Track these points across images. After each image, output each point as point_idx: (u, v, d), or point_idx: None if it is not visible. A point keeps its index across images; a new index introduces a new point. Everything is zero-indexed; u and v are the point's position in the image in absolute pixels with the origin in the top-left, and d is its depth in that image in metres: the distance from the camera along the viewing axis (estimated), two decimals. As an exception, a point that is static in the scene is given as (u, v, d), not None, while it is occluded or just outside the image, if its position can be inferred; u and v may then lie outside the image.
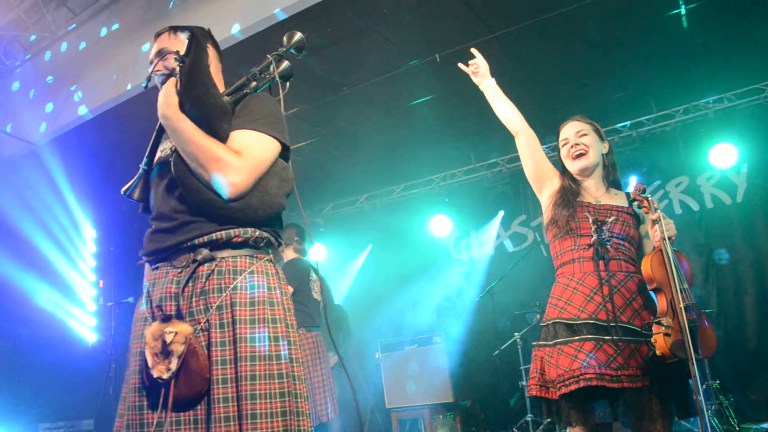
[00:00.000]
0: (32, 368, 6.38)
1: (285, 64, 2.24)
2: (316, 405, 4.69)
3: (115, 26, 5.60)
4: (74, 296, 7.00)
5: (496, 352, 6.44)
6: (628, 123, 6.83)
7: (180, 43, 2.06)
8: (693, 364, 2.26)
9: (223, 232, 1.85)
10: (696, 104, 6.45)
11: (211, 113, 1.88)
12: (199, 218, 1.86)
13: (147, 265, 2.04)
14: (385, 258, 8.07)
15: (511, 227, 7.73)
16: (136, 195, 1.97)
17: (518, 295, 7.01)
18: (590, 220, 2.64)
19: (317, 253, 8.64)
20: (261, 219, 1.90)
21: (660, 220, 2.48)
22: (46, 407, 6.27)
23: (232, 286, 1.81)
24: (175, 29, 2.14)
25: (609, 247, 2.60)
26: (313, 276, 5.15)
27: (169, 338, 1.71)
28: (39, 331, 6.51)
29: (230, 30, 4.73)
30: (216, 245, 1.85)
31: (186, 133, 1.83)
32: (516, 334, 6.26)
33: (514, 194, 7.67)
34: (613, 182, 2.86)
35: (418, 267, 7.63)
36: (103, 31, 5.67)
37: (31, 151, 6.16)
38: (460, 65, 3.02)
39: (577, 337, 2.50)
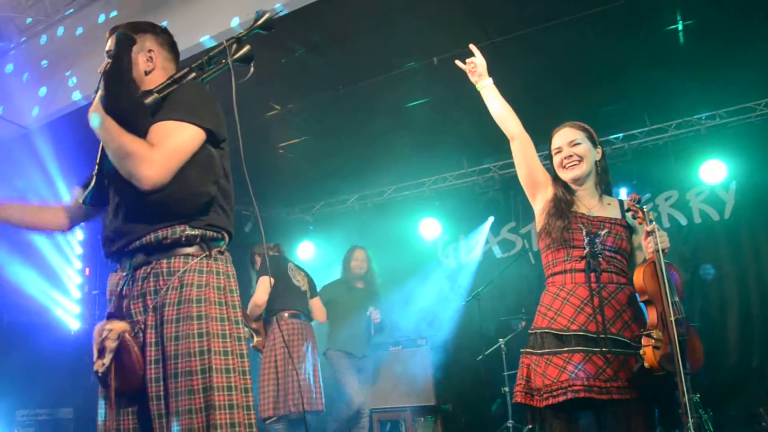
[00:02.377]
0: (12, 354, 6.32)
1: (245, 48, 2.16)
2: (314, 394, 4.88)
3: (114, 13, 5.56)
4: (59, 283, 6.94)
5: (480, 357, 6.45)
6: (620, 135, 6.88)
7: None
8: (681, 378, 2.26)
9: (152, 235, 1.89)
10: (689, 120, 6.50)
11: (126, 111, 1.88)
12: (130, 222, 1.91)
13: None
14: (373, 258, 8.07)
15: (500, 233, 7.75)
16: (82, 200, 2.04)
17: (504, 301, 7.04)
18: (583, 232, 2.64)
19: (305, 251, 8.63)
20: (188, 212, 1.91)
21: (654, 231, 2.48)
22: (25, 394, 6.21)
23: (165, 287, 1.87)
24: (113, 31, 2.11)
25: (601, 259, 2.60)
26: (291, 265, 5.26)
27: (104, 335, 1.81)
28: (21, 316, 6.46)
29: (229, 23, 4.72)
30: (150, 249, 1.90)
31: (107, 132, 1.84)
32: (501, 339, 6.27)
33: (504, 201, 7.70)
34: (605, 189, 2.85)
35: (405, 269, 7.62)
36: (101, 18, 5.63)
37: (23, 134, 6.10)
38: (458, 63, 3.01)
39: (566, 348, 2.50)
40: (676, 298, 2.44)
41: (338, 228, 8.39)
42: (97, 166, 1.99)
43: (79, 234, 7.27)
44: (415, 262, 7.80)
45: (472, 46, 2.94)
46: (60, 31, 5.94)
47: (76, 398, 6.33)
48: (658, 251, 2.45)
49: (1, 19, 6.09)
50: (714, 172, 6.26)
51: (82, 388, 6.28)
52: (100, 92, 1.91)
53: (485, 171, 7.71)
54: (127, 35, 2.03)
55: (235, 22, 4.71)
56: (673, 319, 2.36)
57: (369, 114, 6.43)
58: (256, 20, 2.14)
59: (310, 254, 8.63)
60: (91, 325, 6.57)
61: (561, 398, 2.43)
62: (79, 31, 5.80)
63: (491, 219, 7.76)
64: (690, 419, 2.26)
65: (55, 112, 5.87)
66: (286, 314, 4.98)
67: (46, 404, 6.22)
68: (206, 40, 4.83)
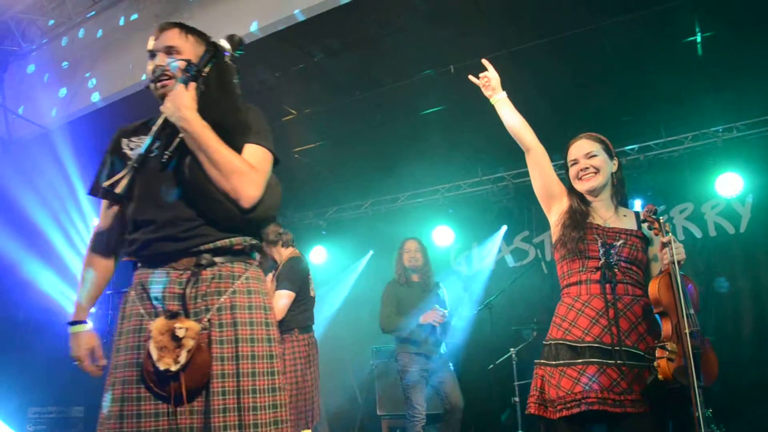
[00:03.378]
0: (27, 352, 6.38)
1: (236, 37, 2.21)
2: (314, 406, 4.58)
3: (134, 16, 5.64)
4: (74, 282, 7.00)
5: (491, 366, 6.43)
6: (636, 146, 6.85)
7: (190, 46, 2.11)
8: (695, 391, 2.24)
9: (227, 240, 1.98)
10: (705, 132, 6.46)
11: (235, 129, 1.99)
12: (205, 225, 1.96)
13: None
14: (385, 265, 8.04)
15: (513, 242, 7.73)
16: (119, 189, 1.98)
17: (516, 310, 7.01)
18: (599, 243, 2.62)
19: (318, 256, 8.66)
20: (258, 229, 2.08)
21: (671, 243, 2.46)
22: (37, 392, 6.26)
23: (230, 290, 1.96)
24: (186, 29, 2.16)
25: (616, 270, 2.58)
26: (311, 273, 4.95)
27: (181, 333, 1.82)
28: (37, 314, 6.51)
29: (249, 27, 4.76)
30: (218, 252, 1.98)
31: (210, 142, 1.91)
32: (512, 349, 6.25)
33: (518, 209, 7.68)
34: (621, 200, 2.84)
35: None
36: (122, 21, 5.71)
37: (42, 134, 6.19)
38: (471, 78, 3.02)
39: (580, 360, 2.49)
40: (692, 311, 2.42)
41: (351, 233, 8.41)
42: (135, 159, 2.01)
43: (94, 233, 7.34)
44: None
45: (484, 61, 2.95)
46: (81, 33, 6.04)
47: (87, 397, 6.36)
48: (673, 263, 2.43)
49: (24, 21, 6.19)
50: (730, 185, 6.21)
51: (93, 387, 6.31)
52: (187, 94, 1.95)
53: (499, 180, 7.69)
54: (219, 46, 2.12)
55: (254, 26, 4.76)
56: (687, 331, 2.33)
57: (385, 120, 6.46)
58: (233, 46, 2.16)
59: (323, 259, 8.65)
60: (105, 325, 6.63)
61: (575, 410, 2.41)
62: (100, 33, 5.89)
63: (504, 228, 7.74)
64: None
65: (75, 112, 5.96)
66: (295, 332, 4.55)
67: (58, 402, 6.27)
68: (225, 44, 4.88)
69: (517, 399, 6.12)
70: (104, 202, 2.22)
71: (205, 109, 1.95)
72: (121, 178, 1.98)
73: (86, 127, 6.03)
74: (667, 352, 2.35)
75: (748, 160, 6.21)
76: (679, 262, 2.46)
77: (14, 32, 6.24)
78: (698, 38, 5.11)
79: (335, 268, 8.52)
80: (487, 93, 2.95)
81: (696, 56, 5.33)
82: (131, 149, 2.14)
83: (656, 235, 2.58)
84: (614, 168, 2.83)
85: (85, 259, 2.22)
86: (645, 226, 2.68)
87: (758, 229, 6.15)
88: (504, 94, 2.92)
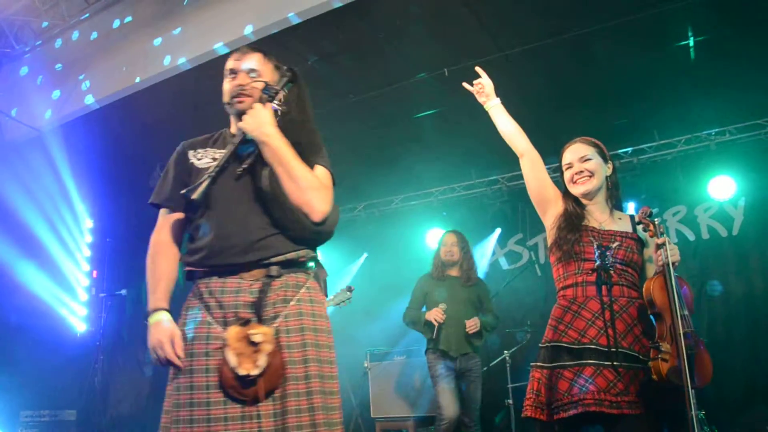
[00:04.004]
0: (19, 355, 6.36)
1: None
2: None
3: (128, 19, 5.63)
4: (67, 285, 6.99)
5: (485, 368, 6.43)
6: (629, 149, 6.88)
7: (269, 71, 2.28)
8: (688, 392, 2.25)
9: (294, 253, 2.10)
10: (698, 135, 6.49)
11: (309, 149, 2.19)
12: (277, 236, 2.08)
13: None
14: (379, 268, 8.06)
15: (507, 245, 7.74)
16: (196, 196, 2.04)
17: (510, 313, 7.02)
18: (594, 245, 2.63)
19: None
20: (322, 242, 2.23)
21: (665, 244, 2.47)
22: (29, 395, 6.23)
23: (296, 298, 2.08)
24: (267, 56, 2.33)
25: (612, 272, 2.57)
26: None
27: (258, 338, 1.93)
28: (29, 317, 6.49)
29: (243, 30, 4.76)
30: (285, 264, 2.09)
31: (290, 157, 2.07)
32: (505, 351, 6.25)
33: (512, 212, 7.69)
34: (616, 204, 2.85)
35: (412, 279, 7.59)
36: (116, 23, 5.70)
37: (35, 136, 6.16)
38: (465, 85, 3.03)
39: (576, 362, 2.49)
40: (686, 312, 2.43)
41: (345, 236, 8.39)
42: (216, 169, 2.10)
43: (87, 236, 7.32)
44: (422, 273, 7.80)
45: (478, 68, 2.97)
46: (75, 35, 6.02)
47: (79, 400, 6.35)
48: (668, 264, 2.43)
49: (17, 23, 6.17)
50: (723, 188, 6.24)
51: (85, 391, 6.30)
52: (267, 113, 2.10)
53: (493, 182, 7.71)
54: (296, 72, 2.28)
55: (248, 29, 4.76)
56: (681, 332, 2.33)
57: (379, 123, 6.46)
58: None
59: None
60: (97, 328, 6.61)
61: (571, 412, 2.41)
62: (94, 35, 5.87)
63: (498, 230, 7.75)
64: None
65: (68, 114, 5.94)
66: None
67: (50, 405, 6.24)
68: (219, 47, 4.88)
69: (510, 401, 6.12)
70: (164, 211, 2.28)
71: (284, 128, 2.11)
72: (198, 185, 2.05)
73: (80, 130, 6.01)
74: (661, 353, 2.36)
75: (740, 163, 6.24)
76: (673, 263, 2.47)
77: (7, 34, 6.22)
78: (691, 42, 5.14)
79: (329, 270, 8.47)
80: (480, 99, 2.97)
81: (689, 60, 5.36)
82: (198, 159, 2.23)
83: (651, 237, 2.59)
84: (609, 171, 2.84)
85: (153, 262, 2.22)
86: (640, 228, 2.68)
87: (751, 232, 6.18)
88: (498, 100, 2.93)
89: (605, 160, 2.86)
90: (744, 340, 6.02)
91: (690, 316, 2.48)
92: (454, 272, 5.44)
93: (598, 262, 2.59)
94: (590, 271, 2.62)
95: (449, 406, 4.79)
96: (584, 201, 2.81)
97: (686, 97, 5.90)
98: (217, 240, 2.07)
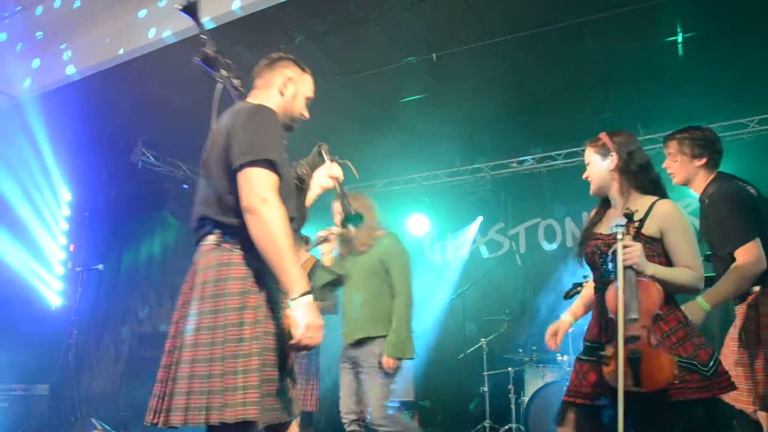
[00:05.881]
0: (-9, 328, 6.27)
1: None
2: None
3: (112, -12, 5.49)
4: (43, 258, 6.88)
5: (461, 355, 6.49)
6: (614, 143, 6.90)
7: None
8: (620, 396, 2.27)
9: None
10: (681, 132, 6.52)
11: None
12: None
13: None
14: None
15: (488, 234, 7.77)
16: None
17: (488, 301, 7.07)
18: (597, 255, 2.58)
19: (293, 239, 8.59)
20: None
21: (618, 249, 2.37)
22: (1, 369, 6.15)
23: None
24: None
25: (612, 277, 2.49)
26: None
27: None
28: (2, 290, 6.39)
29: (230, 5, 4.68)
30: None
31: None
32: (483, 339, 6.30)
33: (494, 201, 7.71)
34: (647, 190, 2.65)
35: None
36: (99, -8, 5.57)
37: (14, 105, 6.03)
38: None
39: (584, 357, 2.61)
40: (634, 316, 2.33)
41: (327, 219, 8.36)
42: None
43: (65, 210, 7.21)
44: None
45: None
46: (57, 2, 5.87)
47: (52, 375, 6.28)
48: (619, 268, 2.36)
49: (-3, -13, 6.01)
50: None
51: (59, 366, 6.24)
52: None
53: (477, 170, 7.71)
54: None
55: (236, 4, 4.67)
56: (621, 335, 2.30)
57: (364, 106, 6.41)
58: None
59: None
60: (73, 303, 6.52)
61: (564, 398, 2.62)
62: (77, 4, 5.73)
63: (480, 218, 7.77)
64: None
65: (48, 84, 5.80)
66: None
67: (22, 380, 6.17)
68: (206, 22, 4.78)
69: (486, 389, 6.17)
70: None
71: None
72: None
73: (60, 101, 5.89)
74: (602, 357, 2.42)
75: (721, 162, 6.28)
76: (629, 266, 2.37)
77: (-13, -1, 6.06)
78: (679, 38, 5.14)
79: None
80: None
81: (676, 56, 5.37)
82: None
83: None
84: (612, 165, 2.65)
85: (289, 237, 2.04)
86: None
87: (728, 229, 6.25)
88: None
89: (604, 155, 2.69)
90: (721, 335, 6.08)
91: (652, 317, 2.39)
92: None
93: (599, 271, 2.59)
94: (595, 278, 2.67)
95: (341, 402, 4.03)
96: (610, 205, 2.75)
97: (672, 92, 5.93)
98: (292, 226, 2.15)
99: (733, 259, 2.90)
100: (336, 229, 3.84)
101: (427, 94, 6.13)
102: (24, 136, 6.11)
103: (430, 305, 7.43)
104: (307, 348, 2.01)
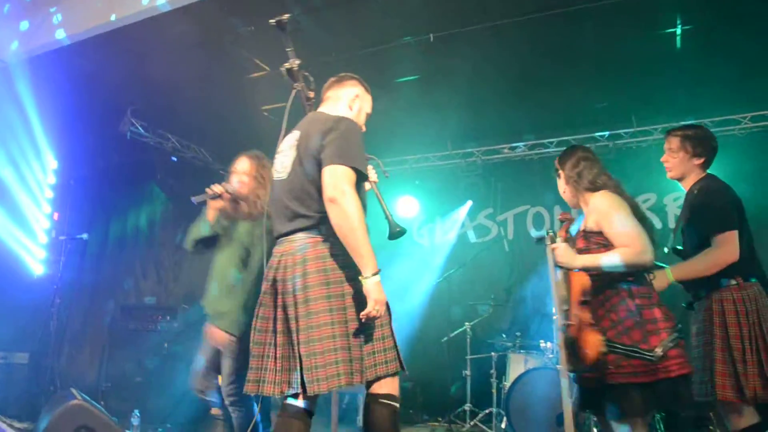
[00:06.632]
0: (-30, 296, 6.19)
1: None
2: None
3: (105, -49, 5.37)
4: (26, 225, 6.78)
5: (445, 338, 6.50)
6: (606, 133, 6.91)
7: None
8: (566, 376, 2.74)
9: None
10: (675, 125, 6.47)
11: None
12: None
13: None
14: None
15: (477, 218, 7.77)
16: None
17: (474, 285, 7.09)
18: None
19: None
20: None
21: (548, 252, 2.86)
22: (-20, 337, 6.09)
23: None
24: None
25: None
26: None
27: None
28: (-17, 256, 6.31)
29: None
30: None
31: None
32: (467, 323, 6.32)
33: (485, 186, 7.70)
34: (588, 189, 2.97)
35: (378, 245, 7.56)
36: (92, -45, 5.44)
37: (1, 68, 5.90)
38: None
39: None
40: (565, 306, 2.74)
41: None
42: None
43: (51, 177, 7.11)
44: (389, 239, 7.80)
45: None
46: (48, -36, 5.73)
47: (33, 344, 6.23)
48: (550, 267, 2.84)
49: (-14, -54, 5.85)
50: (693, 180, 6.31)
51: (39, 335, 6.18)
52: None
53: (468, 155, 7.69)
54: None
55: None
56: (560, 325, 2.73)
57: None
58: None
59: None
60: (55, 271, 6.45)
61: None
62: (69, -34, 5.60)
63: (469, 203, 7.76)
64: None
65: (36, 48, 5.67)
66: None
67: (2, 347, 6.11)
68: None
69: (468, 372, 6.20)
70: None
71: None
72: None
73: (49, 65, 5.77)
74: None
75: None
76: (558, 264, 2.83)
77: (-25, -43, 5.90)
78: (678, 30, 5.11)
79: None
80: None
81: (674, 49, 5.34)
82: None
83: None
84: (563, 176, 3.07)
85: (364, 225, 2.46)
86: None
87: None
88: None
89: (561, 168, 3.10)
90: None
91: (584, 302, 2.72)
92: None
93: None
94: None
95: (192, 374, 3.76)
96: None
97: (668, 85, 5.92)
98: None
99: (709, 245, 3.07)
100: (231, 188, 3.64)
101: (422, 75, 6.06)
102: (10, 100, 5.99)
103: (416, 288, 7.43)
104: (374, 318, 2.38)
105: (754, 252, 3.17)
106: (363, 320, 2.39)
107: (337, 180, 2.38)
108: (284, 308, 2.44)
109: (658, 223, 6.56)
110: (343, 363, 2.34)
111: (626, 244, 2.66)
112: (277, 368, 2.43)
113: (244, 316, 3.42)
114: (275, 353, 2.45)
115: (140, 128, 7.01)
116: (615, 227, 2.71)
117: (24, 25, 5.79)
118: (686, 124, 3.56)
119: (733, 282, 3.04)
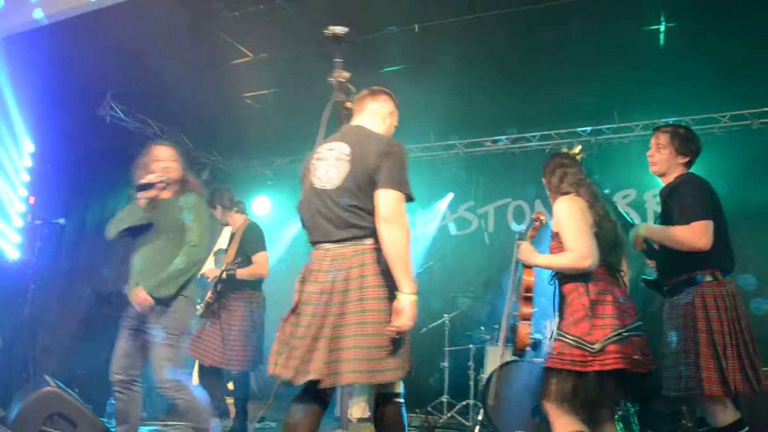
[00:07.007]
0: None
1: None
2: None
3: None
4: (1, 208, 6.66)
5: (424, 329, 6.52)
6: (588, 128, 6.95)
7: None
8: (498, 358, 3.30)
9: None
10: (656, 122, 6.57)
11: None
12: None
13: None
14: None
15: (457, 211, 7.79)
16: None
17: (454, 277, 7.11)
18: None
19: (262, 205, 8.50)
20: None
21: (515, 250, 3.20)
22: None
23: None
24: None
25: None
26: None
27: None
28: (-44, 238, 6.19)
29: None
30: None
31: None
32: (446, 315, 6.34)
33: (466, 178, 7.72)
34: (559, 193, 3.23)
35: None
36: (73, -68, 5.32)
37: (-26, 47, 5.77)
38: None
39: None
40: (514, 299, 3.19)
41: (297, 185, 8.25)
42: None
43: (27, 160, 6.98)
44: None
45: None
46: (26, -60, 5.60)
47: (6, 329, 6.13)
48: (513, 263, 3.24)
49: None
50: (672, 177, 6.37)
51: (12, 321, 6.09)
52: None
53: (451, 147, 7.69)
54: None
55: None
56: (506, 314, 3.37)
57: (342, 74, 6.29)
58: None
59: (266, 209, 8.52)
60: (30, 256, 6.35)
61: None
62: (48, -57, 5.48)
63: (451, 195, 7.77)
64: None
65: (12, 27, 5.55)
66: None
67: (-27, 335, 6.01)
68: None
69: (446, 364, 6.23)
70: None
71: None
72: None
73: (26, 46, 5.65)
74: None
75: (693, 154, 6.36)
76: (519, 260, 3.18)
77: (-49, -67, 5.75)
78: (662, 27, 5.14)
79: (278, 219, 8.40)
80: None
81: (657, 46, 5.37)
82: None
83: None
84: (544, 183, 3.38)
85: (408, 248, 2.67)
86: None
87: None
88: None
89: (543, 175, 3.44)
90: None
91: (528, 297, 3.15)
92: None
93: None
94: None
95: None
96: None
97: (650, 82, 5.96)
98: None
99: None
100: (165, 179, 4.00)
101: (406, 65, 6.03)
102: (-16, 80, 5.87)
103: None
104: (400, 332, 2.65)
105: (730, 247, 3.23)
106: (392, 330, 2.63)
107: (393, 204, 2.64)
108: (340, 304, 2.66)
109: (636, 219, 6.62)
110: (382, 360, 2.67)
111: (572, 248, 2.86)
112: (310, 357, 2.63)
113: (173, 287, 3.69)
114: (312, 345, 2.64)
115: (120, 112, 6.90)
116: (565, 232, 2.93)
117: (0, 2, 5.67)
118: (673, 123, 3.75)
119: (710, 278, 3.11)
